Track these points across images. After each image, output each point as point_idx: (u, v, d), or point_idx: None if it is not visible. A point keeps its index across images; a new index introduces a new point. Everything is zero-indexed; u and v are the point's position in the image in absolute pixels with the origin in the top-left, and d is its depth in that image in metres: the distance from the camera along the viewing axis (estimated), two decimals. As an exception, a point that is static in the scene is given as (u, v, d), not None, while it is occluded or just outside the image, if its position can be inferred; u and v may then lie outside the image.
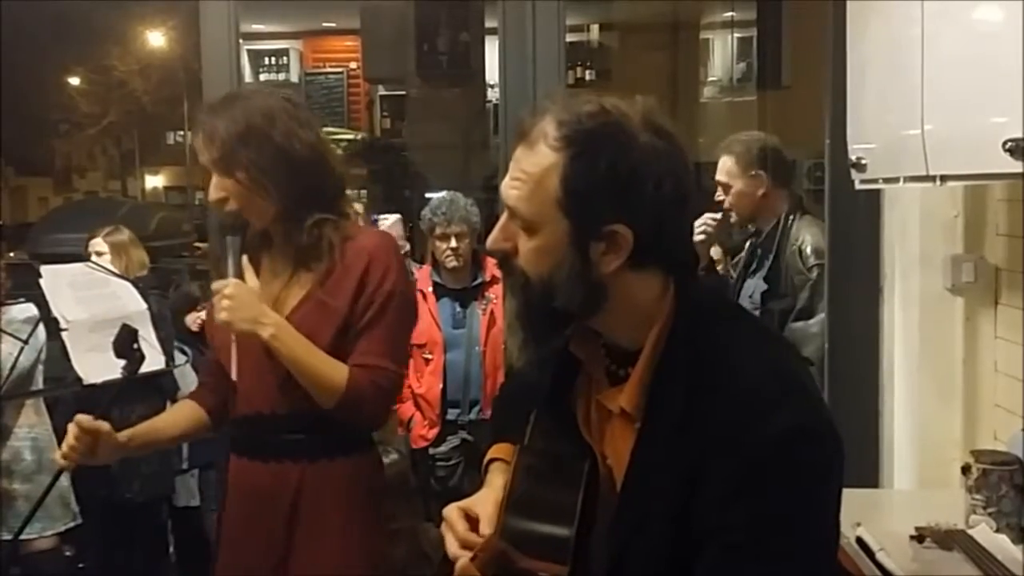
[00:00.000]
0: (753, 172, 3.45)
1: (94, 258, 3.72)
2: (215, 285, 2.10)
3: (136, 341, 2.08)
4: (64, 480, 3.52)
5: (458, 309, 4.00)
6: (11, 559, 3.40)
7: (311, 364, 2.07)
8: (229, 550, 2.25)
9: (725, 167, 3.50)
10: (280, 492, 2.15)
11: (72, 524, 3.56)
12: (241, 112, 2.09)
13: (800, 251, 3.34)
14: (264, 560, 2.16)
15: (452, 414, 3.96)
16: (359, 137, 10.42)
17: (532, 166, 1.25)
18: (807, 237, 3.35)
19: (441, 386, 3.94)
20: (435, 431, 3.96)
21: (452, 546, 1.38)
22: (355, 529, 2.18)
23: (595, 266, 1.24)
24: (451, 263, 3.93)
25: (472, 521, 1.39)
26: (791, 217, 3.44)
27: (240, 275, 2.11)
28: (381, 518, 2.31)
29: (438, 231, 3.92)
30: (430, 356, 3.93)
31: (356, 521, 2.19)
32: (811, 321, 3.26)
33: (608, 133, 1.23)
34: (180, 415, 2.33)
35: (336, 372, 2.08)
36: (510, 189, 1.27)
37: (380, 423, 2.33)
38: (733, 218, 3.54)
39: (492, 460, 1.52)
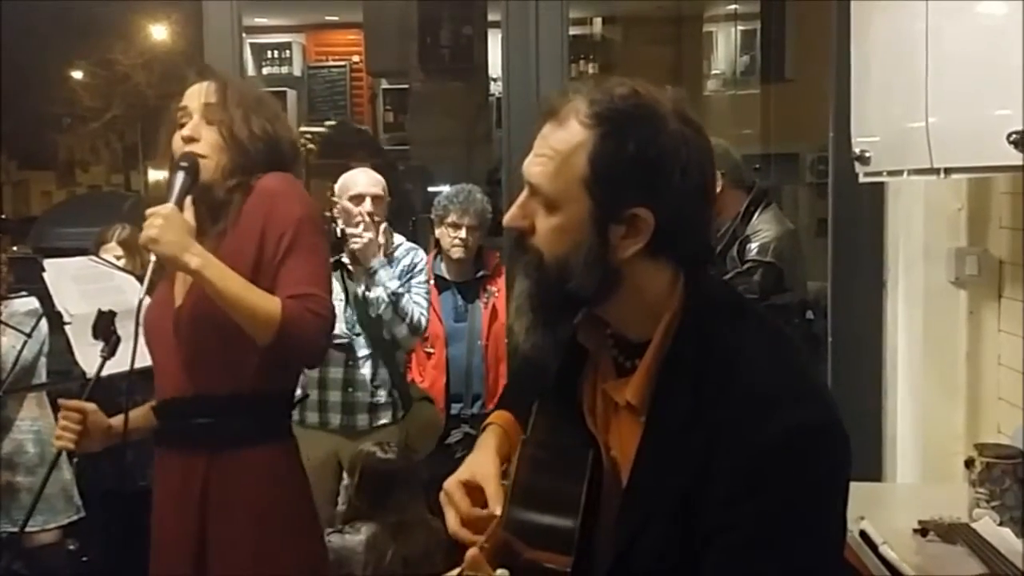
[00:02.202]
0: None
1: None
2: (149, 210, 1.97)
3: (113, 324, 2.14)
4: (67, 473, 3.52)
5: (460, 303, 3.99)
6: (14, 553, 3.40)
7: (243, 295, 1.95)
8: (156, 551, 2.14)
9: None
10: (189, 484, 2.05)
11: (75, 517, 3.56)
12: (250, 84, 2.30)
13: (743, 247, 3.33)
14: (183, 558, 2.05)
15: (454, 408, 3.96)
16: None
17: (560, 142, 1.25)
18: (759, 233, 3.34)
19: (445, 380, 3.94)
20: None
21: (453, 522, 1.38)
22: (276, 525, 2.06)
23: (613, 250, 1.24)
24: (457, 253, 3.91)
25: (474, 492, 1.39)
26: (752, 211, 3.42)
27: (181, 208, 2.02)
28: (309, 512, 2.19)
29: (451, 218, 3.89)
30: (432, 350, 3.93)
31: (276, 516, 2.07)
32: None
33: (640, 115, 1.23)
34: None
35: (270, 303, 1.96)
36: (535, 166, 1.26)
37: (321, 357, 2.24)
38: None
39: (488, 425, 1.52)
